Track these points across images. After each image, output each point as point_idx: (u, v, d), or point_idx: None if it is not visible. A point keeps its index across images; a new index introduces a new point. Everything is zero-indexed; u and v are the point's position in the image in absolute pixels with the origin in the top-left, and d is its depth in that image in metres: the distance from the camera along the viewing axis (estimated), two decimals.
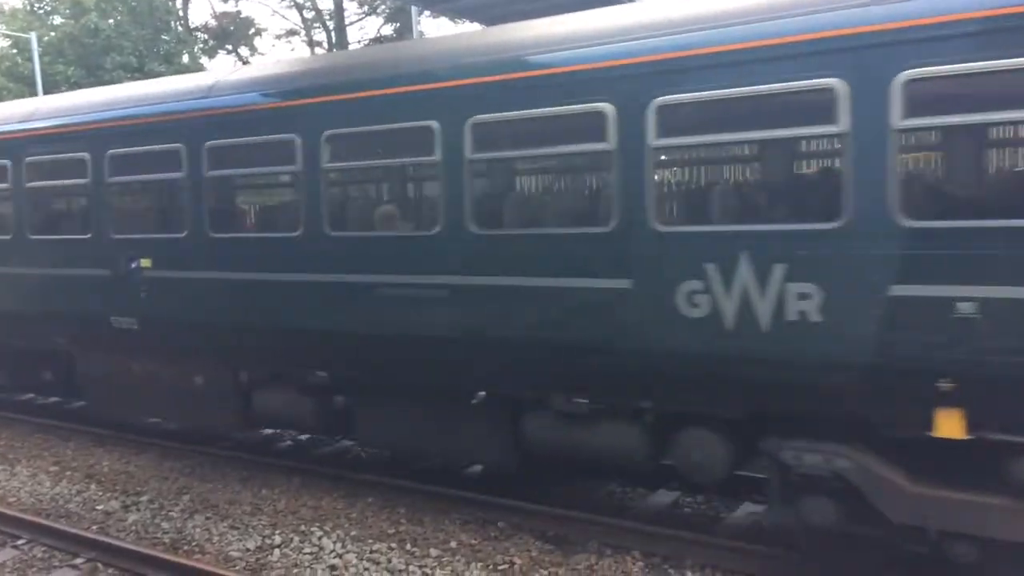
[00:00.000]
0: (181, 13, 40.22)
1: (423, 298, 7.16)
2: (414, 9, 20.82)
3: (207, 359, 9.04)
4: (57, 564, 7.32)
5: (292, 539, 7.51)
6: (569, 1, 8.94)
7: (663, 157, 6.87)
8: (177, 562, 6.99)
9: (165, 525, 8.02)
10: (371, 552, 7.18)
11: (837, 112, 5.40)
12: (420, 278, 7.19)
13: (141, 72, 30.75)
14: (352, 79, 7.65)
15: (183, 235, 8.67)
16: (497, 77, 6.76)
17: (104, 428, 11.02)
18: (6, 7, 36.68)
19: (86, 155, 9.39)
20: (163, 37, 34.95)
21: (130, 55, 32.26)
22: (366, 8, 40.05)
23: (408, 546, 7.26)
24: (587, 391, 6.86)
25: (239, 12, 42.51)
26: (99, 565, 7.22)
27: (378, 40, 38.90)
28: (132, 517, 8.26)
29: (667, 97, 5.98)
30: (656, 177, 6.29)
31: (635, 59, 6.16)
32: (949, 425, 5.38)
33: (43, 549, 7.59)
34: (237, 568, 6.97)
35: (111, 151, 9.18)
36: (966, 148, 6.32)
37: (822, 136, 6.63)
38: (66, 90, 25.67)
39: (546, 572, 6.69)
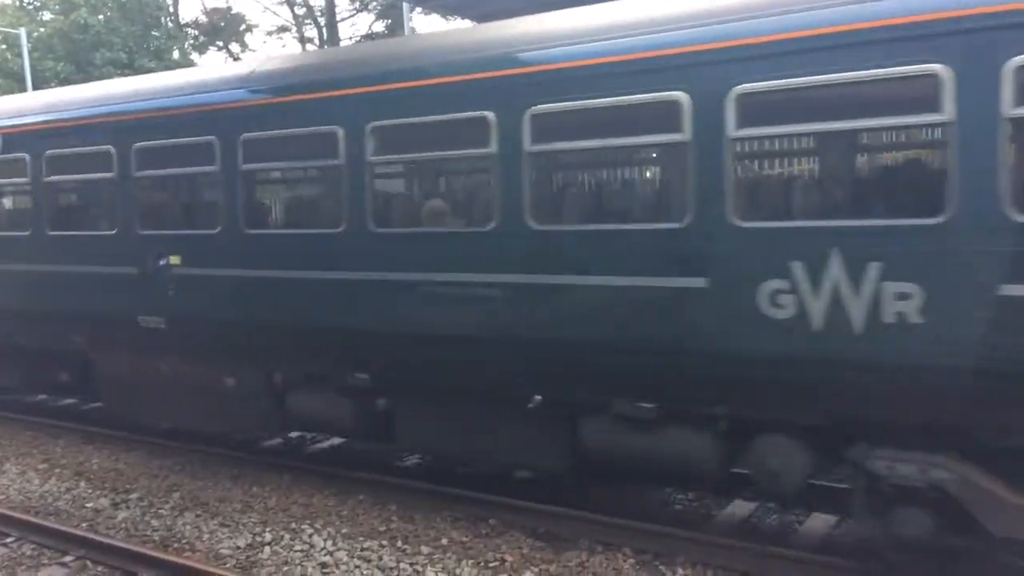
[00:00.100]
0: (171, 9, 40.02)
1: (476, 297, 6.90)
2: (405, 5, 20.75)
3: (239, 360, 8.72)
4: (46, 562, 7.28)
5: (283, 537, 7.49)
6: None
7: (744, 148, 6.54)
8: (167, 560, 6.96)
9: (155, 523, 7.99)
10: (362, 550, 7.16)
11: (941, 100, 5.09)
12: (474, 276, 6.92)
13: (131, 68, 30.62)
14: (399, 68, 7.38)
15: (216, 231, 8.40)
16: (558, 65, 6.47)
17: (103, 428, 10.99)
18: None
19: (111, 148, 9.10)
20: (153, 33, 34.86)
21: (120, 51, 32.14)
22: (357, 4, 39.95)
23: (399, 543, 7.25)
24: (654, 395, 6.53)
25: (229, 8, 42.43)
26: (88, 563, 7.18)
27: (369, 37, 38.79)
28: (122, 515, 8.23)
29: (749, 85, 5.67)
30: (736, 170, 5.98)
31: (714, 44, 5.85)
32: None
33: (32, 547, 7.55)
34: (227, 566, 6.94)
35: (138, 144, 8.89)
36: None
37: (924, 126, 6.30)
38: (55, 86, 25.52)
39: (537, 569, 6.68)
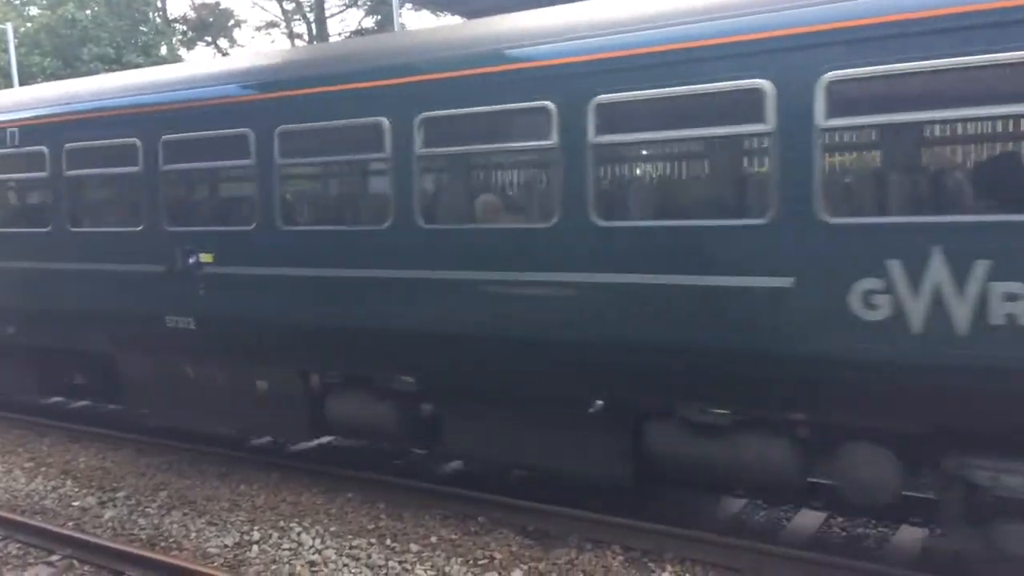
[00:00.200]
0: (159, 4, 39.81)
1: (535, 297, 6.60)
2: (395, 1, 20.69)
3: (273, 361, 8.42)
4: (32, 561, 7.23)
5: (271, 535, 7.45)
6: None
7: (835, 139, 6.16)
8: (154, 559, 6.92)
9: (142, 521, 7.94)
10: (351, 548, 7.14)
11: None
12: (533, 275, 6.61)
13: (119, 64, 30.38)
14: (446, 57, 7.09)
15: (251, 228, 8.11)
16: (628, 52, 6.17)
17: (90, 426, 10.93)
18: None
19: (136, 141, 8.79)
20: (141, 28, 34.61)
21: (107, 46, 31.88)
22: (347, 0, 39.81)
23: (388, 541, 7.23)
24: (729, 401, 6.25)
25: (218, 3, 42.05)
26: (75, 562, 7.14)
27: (359, 33, 38.67)
28: (108, 513, 8.18)
29: (841, 71, 5.38)
30: (825, 162, 5.67)
31: (802, 28, 5.54)
32: None
33: (18, 546, 7.50)
34: (215, 564, 6.91)
35: (166, 136, 8.59)
36: None
37: None
38: (42, 81, 25.35)
39: (526, 567, 6.67)
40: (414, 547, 7.09)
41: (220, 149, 8.47)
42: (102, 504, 8.43)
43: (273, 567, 6.85)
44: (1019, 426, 5.25)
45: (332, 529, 7.53)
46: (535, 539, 7.18)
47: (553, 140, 6.48)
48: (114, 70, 25.23)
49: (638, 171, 7.87)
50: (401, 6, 21.54)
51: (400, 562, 6.82)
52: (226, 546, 7.29)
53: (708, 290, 5.93)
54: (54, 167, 9.57)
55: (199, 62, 10.42)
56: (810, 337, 5.61)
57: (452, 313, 7.05)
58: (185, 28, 41.55)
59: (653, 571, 6.56)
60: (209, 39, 42.07)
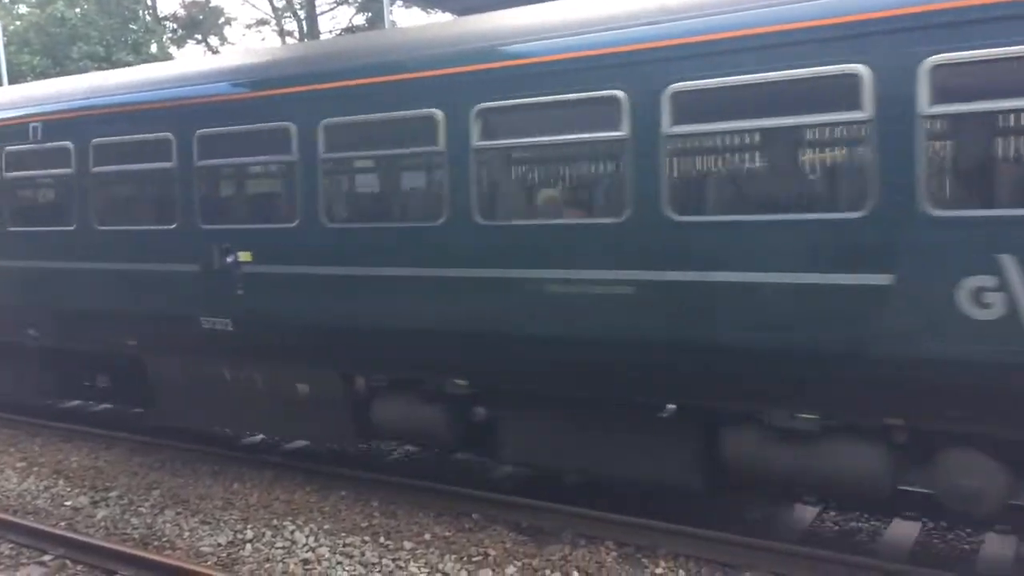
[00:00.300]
0: (149, 2, 39.65)
1: (602, 296, 6.29)
2: None
3: (316, 364, 8.11)
4: (25, 561, 7.21)
5: (264, 533, 7.45)
6: None
7: (938, 127, 5.82)
8: (147, 558, 6.91)
9: (135, 521, 7.92)
10: (344, 545, 7.13)
11: None
12: (600, 273, 6.34)
13: (108, 62, 30.26)
14: (504, 46, 6.82)
15: (293, 225, 7.80)
16: (705, 37, 5.85)
17: (82, 425, 10.88)
18: None
19: (169, 135, 8.48)
20: (131, 26, 34.43)
21: (97, 44, 31.73)
22: None
23: (382, 539, 7.23)
24: (818, 405, 5.91)
25: (208, 1, 42.00)
26: (67, 562, 7.12)
27: (350, 30, 38.60)
28: (101, 513, 8.16)
29: (946, 55, 5.06)
30: (929, 152, 5.38)
31: (900, 10, 5.23)
32: None
33: (10, 546, 7.47)
34: (208, 563, 6.90)
35: (201, 131, 8.27)
36: None
37: None
38: (31, 80, 25.25)
39: (520, 563, 6.68)
40: (408, 544, 7.09)
41: (260, 144, 8.20)
42: (95, 503, 8.41)
43: (267, 565, 6.84)
44: None
45: (326, 527, 7.53)
46: (529, 535, 7.19)
47: (623, 131, 6.20)
48: (104, 68, 25.14)
49: (719, 163, 7.37)
50: (392, 3, 21.49)
51: (394, 559, 6.82)
52: (219, 545, 7.28)
53: (797, 289, 5.65)
54: (80, 163, 9.24)
55: (236, 53, 10.02)
56: (913, 337, 5.32)
57: (510, 313, 6.77)
58: (175, 26, 41.41)
59: (647, 567, 6.57)
60: (199, 37, 41.95)
